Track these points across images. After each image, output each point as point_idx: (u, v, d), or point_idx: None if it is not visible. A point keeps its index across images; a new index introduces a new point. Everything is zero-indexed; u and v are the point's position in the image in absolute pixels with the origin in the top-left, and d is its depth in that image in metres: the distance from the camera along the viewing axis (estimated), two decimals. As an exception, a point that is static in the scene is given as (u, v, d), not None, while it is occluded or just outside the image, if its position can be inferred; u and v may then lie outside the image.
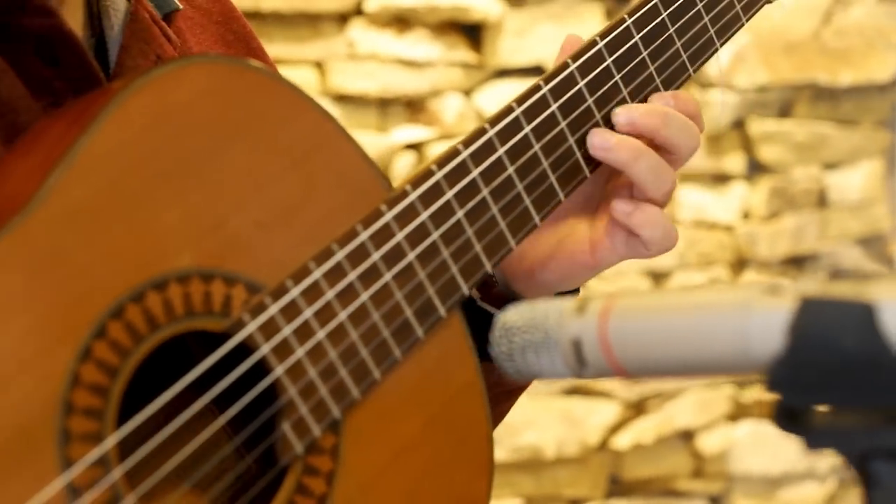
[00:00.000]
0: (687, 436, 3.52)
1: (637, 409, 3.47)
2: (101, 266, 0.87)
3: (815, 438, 0.72)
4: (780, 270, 3.58)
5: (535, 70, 3.14)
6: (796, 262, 3.63)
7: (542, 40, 3.16)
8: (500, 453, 3.28)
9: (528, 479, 3.37)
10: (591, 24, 3.22)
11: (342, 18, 3.04)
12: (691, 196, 3.46)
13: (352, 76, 3.03)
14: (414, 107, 3.12)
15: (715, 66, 3.12)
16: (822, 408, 0.73)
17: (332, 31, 3.04)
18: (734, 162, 3.52)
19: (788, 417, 0.72)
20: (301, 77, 2.97)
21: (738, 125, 3.53)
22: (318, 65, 3.04)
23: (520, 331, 0.82)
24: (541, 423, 3.33)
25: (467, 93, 3.16)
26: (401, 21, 3.07)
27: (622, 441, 3.43)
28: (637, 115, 1.13)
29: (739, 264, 3.56)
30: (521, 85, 3.08)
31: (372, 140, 3.01)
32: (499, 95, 3.15)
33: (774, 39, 3.49)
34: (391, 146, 3.06)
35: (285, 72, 1.05)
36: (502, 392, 1.23)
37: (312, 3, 2.97)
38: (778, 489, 3.64)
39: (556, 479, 3.40)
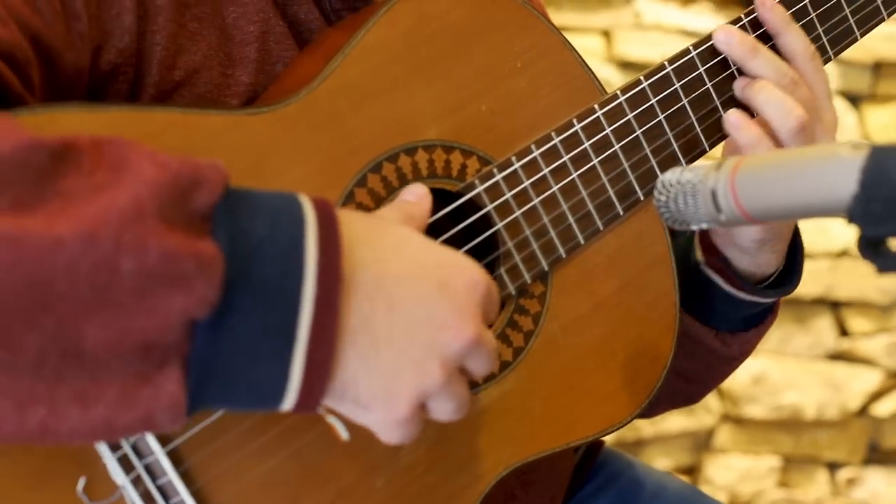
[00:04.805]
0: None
1: (900, 379, 3.54)
2: (366, 130, 1.13)
3: (886, 262, 0.90)
4: None
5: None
6: None
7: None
8: (760, 410, 3.42)
9: (787, 438, 3.49)
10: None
11: (631, -10, 3.26)
12: None
13: (636, 45, 3.24)
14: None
15: None
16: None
17: (620, 3, 3.26)
18: None
19: (869, 247, 0.90)
20: (588, 44, 3.20)
21: None
22: (606, 33, 3.26)
23: (676, 184, 1.05)
24: (803, 384, 3.44)
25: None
26: (686, -6, 3.26)
27: (883, 409, 3.50)
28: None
29: None
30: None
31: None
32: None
33: None
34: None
35: (574, 39, 1.25)
36: (724, 358, 1.44)
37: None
38: None
39: (816, 441, 3.50)
